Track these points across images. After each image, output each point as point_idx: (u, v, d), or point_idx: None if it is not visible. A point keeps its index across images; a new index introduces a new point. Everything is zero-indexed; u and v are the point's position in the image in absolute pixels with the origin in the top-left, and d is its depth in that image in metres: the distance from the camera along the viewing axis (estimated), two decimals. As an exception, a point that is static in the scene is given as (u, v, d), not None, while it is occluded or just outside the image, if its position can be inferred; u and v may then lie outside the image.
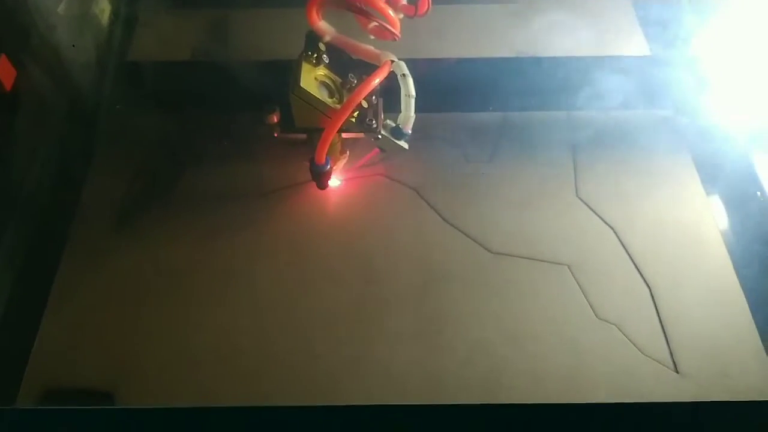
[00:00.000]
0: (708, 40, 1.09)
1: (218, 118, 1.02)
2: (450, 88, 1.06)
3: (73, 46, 0.96)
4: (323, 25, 0.83)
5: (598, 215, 0.90)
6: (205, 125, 1.01)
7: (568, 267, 0.85)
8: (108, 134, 1.00)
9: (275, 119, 0.84)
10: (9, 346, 0.79)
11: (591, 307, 0.82)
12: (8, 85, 0.85)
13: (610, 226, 0.89)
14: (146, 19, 1.16)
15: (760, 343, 0.78)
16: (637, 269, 0.85)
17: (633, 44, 1.12)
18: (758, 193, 0.93)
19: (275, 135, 0.86)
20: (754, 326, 0.80)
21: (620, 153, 0.98)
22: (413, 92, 0.79)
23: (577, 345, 0.78)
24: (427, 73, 1.07)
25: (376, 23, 0.81)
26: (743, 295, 0.82)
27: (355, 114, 0.83)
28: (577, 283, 0.84)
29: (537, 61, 1.09)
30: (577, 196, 0.93)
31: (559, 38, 1.12)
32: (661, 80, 1.06)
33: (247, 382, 0.76)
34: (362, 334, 0.80)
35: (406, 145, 0.84)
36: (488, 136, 1.00)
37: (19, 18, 0.88)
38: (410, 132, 0.82)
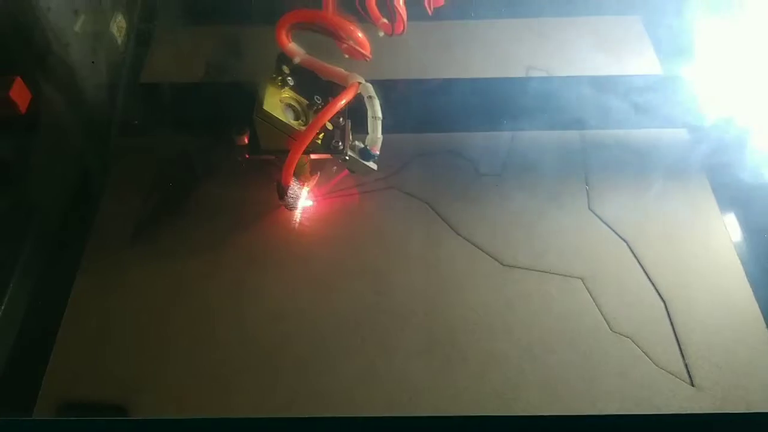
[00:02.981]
0: (720, 58, 1.09)
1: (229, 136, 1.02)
2: (465, 107, 1.07)
3: (93, 62, 0.97)
4: (293, 47, 0.84)
5: (611, 228, 0.90)
6: (218, 142, 1.02)
7: (582, 280, 0.85)
8: (123, 151, 1.02)
9: (245, 141, 0.85)
10: (26, 358, 0.80)
11: (605, 319, 0.82)
12: (24, 107, 0.86)
13: (623, 239, 0.89)
14: (162, 36, 1.17)
15: (776, 355, 0.78)
16: (651, 282, 0.85)
17: (645, 63, 1.13)
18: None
19: (246, 156, 0.87)
20: (769, 338, 0.79)
21: (633, 169, 0.98)
22: (380, 114, 0.80)
23: (592, 358, 0.78)
24: (440, 92, 1.09)
25: (352, 42, 0.82)
26: (758, 308, 0.82)
27: (321, 135, 0.83)
28: (591, 296, 0.84)
29: (549, 80, 1.10)
30: (589, 208, 0.93)
31: (571, 57, 1.13)
32: (673, 99, 1.06)
33: (261, 393, 0.76)
34: (374, 346, 0.80)
35: (374, 166, 0.84)
36: (500, 152, 1.00)
37: (34, 39, 0.89)
38: (378, 153, 0.82)
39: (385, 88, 1.05)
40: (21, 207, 0.88)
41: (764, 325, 0.80)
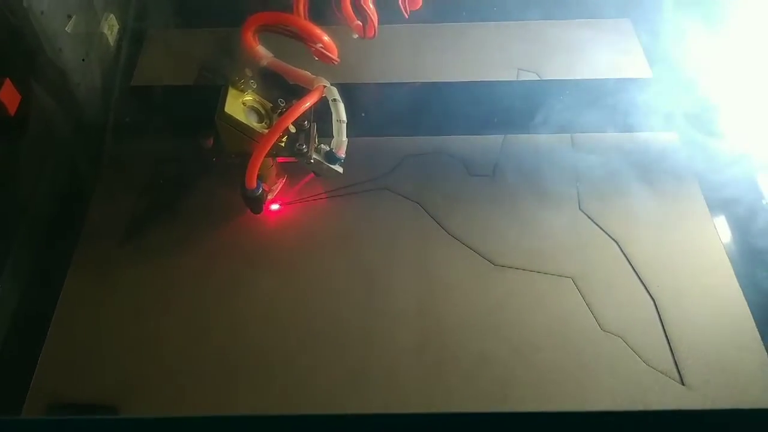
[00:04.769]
0: (710, 62, 1.10)
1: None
2: (457, 110, 1.07)
3: (83, 60, 0.97)
4: (260, 50, 0.84)
5: (601, 228, 0.91)
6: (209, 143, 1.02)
7: (572, 279, 0.86)
8: (114, 152, 1.01)
9: (211, 143, 0.85)
10: (16, 357, 0.79)
11: (596, 319, 0.82)
12: (12, 109, 0.85)
13: (614, 239, 0.90)
14: (153, 35, 1.18)
15: (765, 353, 0.78)
16: (641, 281, 0.85)
17: (635, 66, 1.13)
18: (763, 201, 0.94)
19: (214, 159, 0.86)
20: (758, 337, 0.80)
21: (623, 170, 0.98)
22: (344, 117, 0.80)
23: (582, 357, 0.78)
24: (433, 96, 1.09)
25: (320, 46, 0.82)
26: (747, 307, 0.82)
27: (284, 138, 0.82)
28: (581, 295, 0.84)
29: (541, 83, 1.10)
30: (580, 209, 0.93)
31: (560, 59, 1.14)
32: (663, 102, 1.07)
33: (251, 392, 0.76)
34: (366, 345, 0.80)
35: (340, 169, 0.84)
36: (492, 154, 1.01)
37: (25, 41, 0.88)
38: (344, 156, 0.82)
39: (373, 91, 1.06)
40: (10, 209, 0.88)
41: (753, 323, 0.81)
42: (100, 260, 0.88)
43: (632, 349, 0.79)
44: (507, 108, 1.07)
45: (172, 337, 0.80)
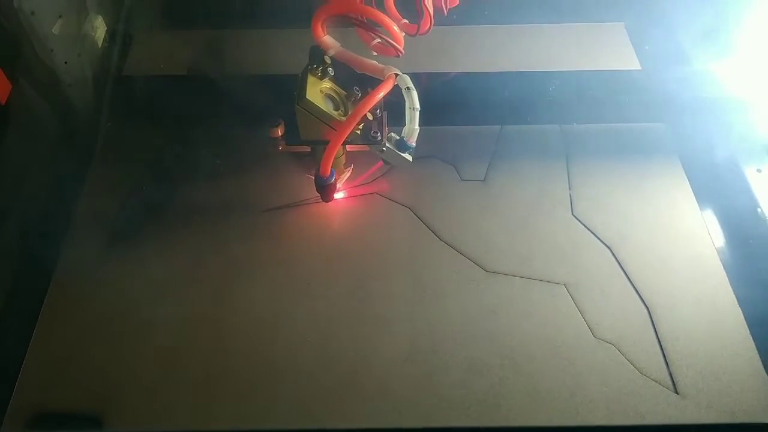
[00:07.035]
0: (699, 53, 1.10)
1: (213, 134, 1.01)
2: (445, 102, 1.06)
3: (66, 62, 0.96)
4: (328, 40, 0.83)
5: (594, 233, 0.90)
6: (200, 141, 1.01)
7: (565, 286, 0.85)
8: (102, 150, 1.00)
9: (280, 132, 0.85)
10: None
11: (588, 326, 0.81)
12: (3, 98, 0.85)
13: (606, 245, 0.89)
14: (141, 37, 1.17)
15: (759, 362, 0.77)
16: (635, 288, 0.84)
17: (624, 58, 1.13)
18: (757, 210, 0.93)
19: (279, 148, 0.86)
20: (753, 345, 0.79)
21: (614, 169, 0.98)
22: (418, 105, 0.79)
23: (575, 365, 0.77)
24: (424, 87, 1.08)
25: (380, 40, 0.81)
26: (742, 316, 0.82)
27: (360, 126, 0.83)
28: (574, 302, 0.83)
29: (531, 75, 1.10)
30: (573, 214, 0.92)
31: (553, 54, 1.14)
32: (652, 94, 1.07)
33: (238, 404, 0.74)
34: (356, 354, 0.78)
35: (410, 158, 0.83)
36: (483, 153, 1.00)
37: (15, 35, 0.88)
38: (414, 145, 0.82)
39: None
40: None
41: (748, 332, 0.80)
42: (86, 266, 0.86)
43: (625, 357, 0.78)
44: (496, 101, 1.07)
45: (158, 345, 0.79)
